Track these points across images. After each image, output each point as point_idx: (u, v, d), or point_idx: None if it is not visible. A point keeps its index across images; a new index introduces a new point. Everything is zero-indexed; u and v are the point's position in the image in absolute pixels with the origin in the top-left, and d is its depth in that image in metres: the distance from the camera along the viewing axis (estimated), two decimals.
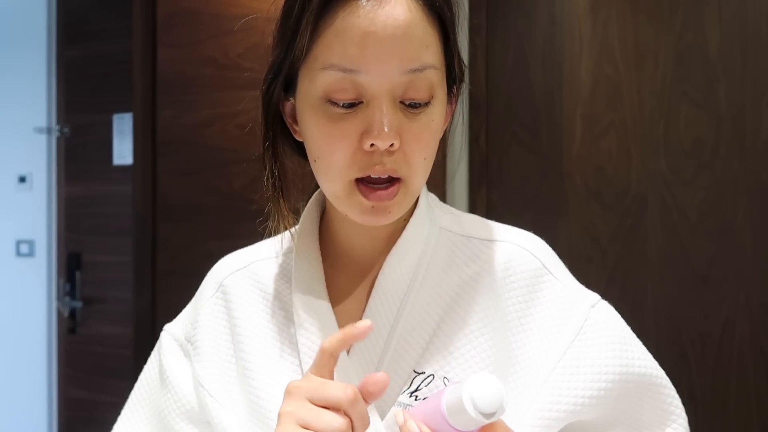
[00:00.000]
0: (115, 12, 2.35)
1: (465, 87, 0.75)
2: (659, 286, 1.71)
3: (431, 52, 0.64)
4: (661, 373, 0.73)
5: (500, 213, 1.83)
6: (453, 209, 0.80)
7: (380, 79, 0.62)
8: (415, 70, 0.63)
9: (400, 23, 0.62)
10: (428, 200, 0.77)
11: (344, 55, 0.62)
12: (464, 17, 0.75)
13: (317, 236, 0.76)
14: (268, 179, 0.72)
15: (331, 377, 0.58)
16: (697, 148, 1.68)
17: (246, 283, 0.77)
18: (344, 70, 0.62)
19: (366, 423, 0.56)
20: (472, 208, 1.87)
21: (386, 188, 0.65)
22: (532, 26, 1.84)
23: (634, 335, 0.74)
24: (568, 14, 1.80)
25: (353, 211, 0.67)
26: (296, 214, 0.76)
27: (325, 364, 0.57)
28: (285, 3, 0.68)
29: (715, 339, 1.66)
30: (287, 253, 0.78)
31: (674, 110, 1.70)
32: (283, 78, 0.69)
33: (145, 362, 0.83)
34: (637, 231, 1.73)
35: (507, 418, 0.65)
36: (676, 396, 0.74)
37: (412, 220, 0.73)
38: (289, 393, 0.57)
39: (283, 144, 0.73)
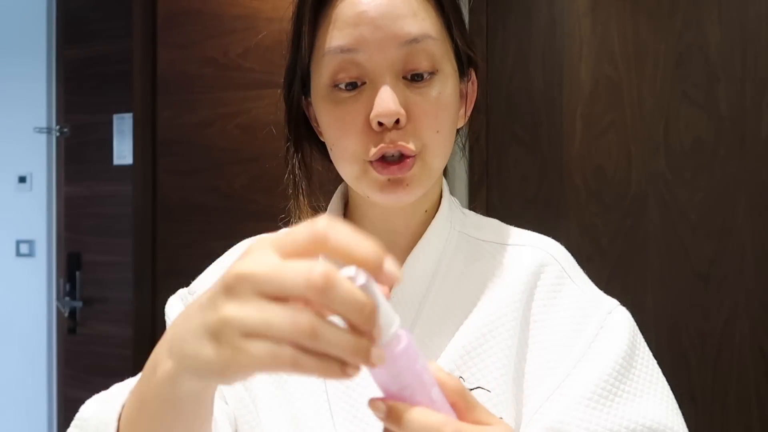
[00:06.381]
0: (115, 12, 2.36)
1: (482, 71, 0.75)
2: (659, 286, 1.71)
3: (427, 24, 0.65)
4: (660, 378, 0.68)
5: (500, 213, 1.82)
6: (474, 213, 0.80)
7: (378, 56, 0.64)
8: (411, 41, 0.64)
9: None
10: (450, 203, 0.77)
11: (341, 37, 0.64)
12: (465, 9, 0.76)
13: None
14: (289, 177, 0.74)
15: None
16: (697, 148, 1.68)
17: None
18: (343, 51, 0.64)
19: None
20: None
21: (398, 162, 0.65)
22: (532, 26, 1.84)
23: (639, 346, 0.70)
24: (568, 14, 1.80)
25: (372, 189, 0.67)
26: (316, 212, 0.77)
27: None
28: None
29: (715, 339, 1.66)
30: None
31: (674, 110, 1.70)
32: (300, 79, 0.71)
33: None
34: (637, 231, 1.73)
35: (510, 419, 0.65)
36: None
37: (434, 222, 0.73)
38: (228, 286, 0.38)
39: (310, 146, 0.75)
